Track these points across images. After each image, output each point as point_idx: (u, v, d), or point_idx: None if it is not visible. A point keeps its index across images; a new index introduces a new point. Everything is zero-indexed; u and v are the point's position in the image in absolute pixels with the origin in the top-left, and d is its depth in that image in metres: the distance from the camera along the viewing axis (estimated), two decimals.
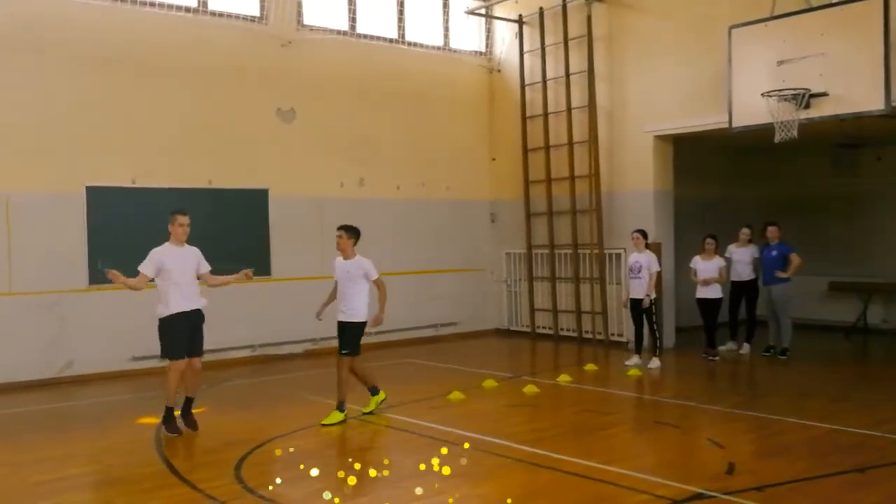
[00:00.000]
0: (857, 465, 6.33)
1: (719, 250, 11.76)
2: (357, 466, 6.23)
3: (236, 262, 9.16)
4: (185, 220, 7.95)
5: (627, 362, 11.30)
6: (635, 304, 11.24)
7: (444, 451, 6.36)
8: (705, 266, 11.57)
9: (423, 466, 6.10)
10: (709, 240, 11.64)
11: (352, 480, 5.91)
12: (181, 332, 7.82)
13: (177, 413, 7.91)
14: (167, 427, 7.84)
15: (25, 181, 10.54)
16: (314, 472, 5.68)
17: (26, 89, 10.60)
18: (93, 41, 11.03)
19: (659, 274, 11.39)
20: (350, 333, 8.20)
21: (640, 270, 11.09)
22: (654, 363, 11.08)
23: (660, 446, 7.38)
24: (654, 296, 11.15)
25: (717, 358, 11.54)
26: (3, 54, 10.42)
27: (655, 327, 11.28)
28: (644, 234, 11.33)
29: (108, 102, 11.14)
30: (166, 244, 7.94)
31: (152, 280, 7.86)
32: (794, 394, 9.44)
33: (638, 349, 11.44)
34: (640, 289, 11.12)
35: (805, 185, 15.01)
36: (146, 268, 7.79)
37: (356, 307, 8.19)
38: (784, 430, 7.61)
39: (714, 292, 11.54)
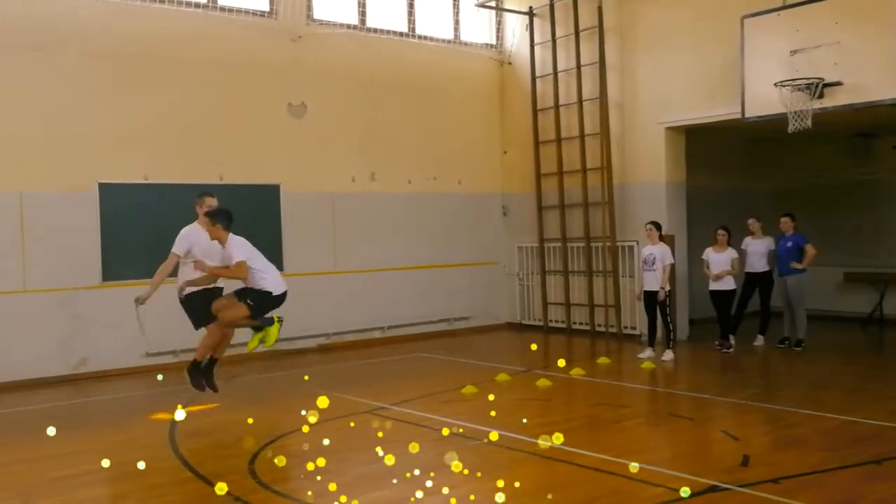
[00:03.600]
0: (873, 457, 6.29)
1: (731, 242, 11.69)
2: (370, 460, 6.23)
3: None
4: (213, 202, 7.98)
5: (641, 355, 11.26)
6: (649, 297, 11.18)
7: (456, 442, 6.35)
8: (717, 258, 11.49)
9: (436, 460, 6.09)
10: (720, 231, 11.56)
11: (365, 474, 5.91)
12: (197, 306, 7.94)
13: None
14: (191, 380, 8.01)
15: (38, 179, 10.59)
16: (327, 466, 5.67)
17: (37, 87, 10.64)
18: (103, 38, 11.05)
19: (672, 266, 11.34)
20: (258, 297, 7.88)
21: (654, 263, 11.04)
22: (668, 356, 11.03)
23: (674, 439, 7.36)
24: (668, 288, 11.10)
25: (731, 350, 11.48)
26: (14, 52, 10.46)
27: (669, 319, 11.23)
28: (658, 225, 11.28)
29: (118, 99, 11.16)
30: (195, 224, 7.96)
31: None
32: (808, 385, 9.39)
33: (651, 342, 11.40)
34: (653, 281, 11.07)
35: (819, 176, 14.88)
36: (178, 247, 7.88)
37: (263, 284, 7.89)
38: (799, 422, 7.56)
39: (727, 284, 11.45)
